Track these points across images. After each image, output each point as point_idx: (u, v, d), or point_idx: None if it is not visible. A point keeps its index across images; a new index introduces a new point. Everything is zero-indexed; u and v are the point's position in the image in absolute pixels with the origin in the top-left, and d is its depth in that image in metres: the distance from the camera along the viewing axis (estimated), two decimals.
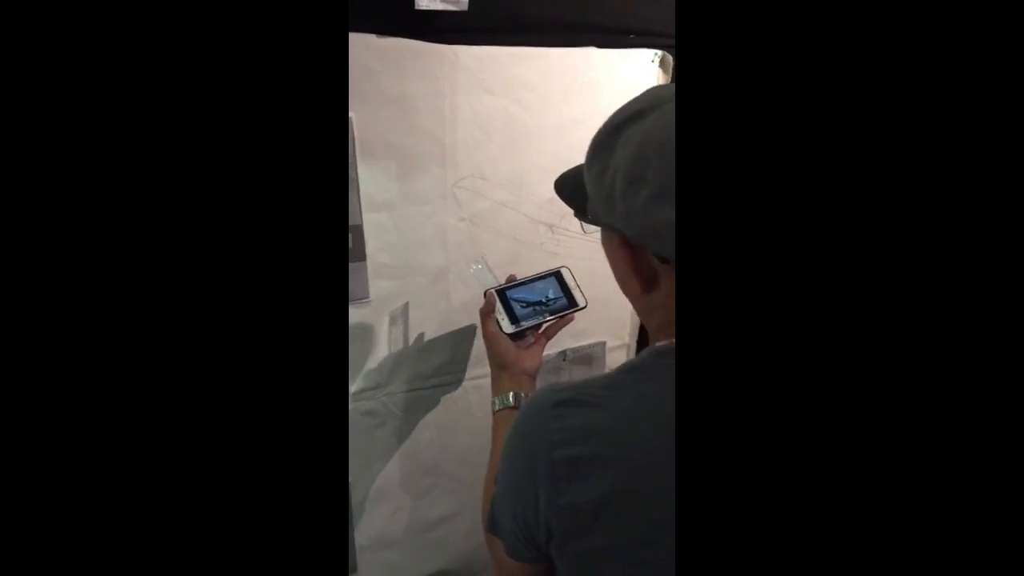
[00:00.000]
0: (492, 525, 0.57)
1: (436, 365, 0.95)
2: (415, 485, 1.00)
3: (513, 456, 0.52)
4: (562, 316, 0.84)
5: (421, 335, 0.92)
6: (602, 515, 0.46)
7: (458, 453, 1.02)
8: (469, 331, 0.95)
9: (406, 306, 0.89)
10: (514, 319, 0.81)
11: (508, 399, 0.76)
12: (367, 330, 0.87)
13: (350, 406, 0.90)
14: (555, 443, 0.47)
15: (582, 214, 0.56)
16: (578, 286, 0.87)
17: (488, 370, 0.83)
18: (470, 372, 0.98)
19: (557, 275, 0.87)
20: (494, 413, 0.77)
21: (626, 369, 0.51)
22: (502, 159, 0.89)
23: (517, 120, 0.88)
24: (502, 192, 0.91)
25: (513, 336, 0.80)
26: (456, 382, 0.98)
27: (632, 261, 0.51)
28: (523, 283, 0.85)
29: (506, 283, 0.86)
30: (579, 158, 0.92)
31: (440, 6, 0.74)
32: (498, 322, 0.80)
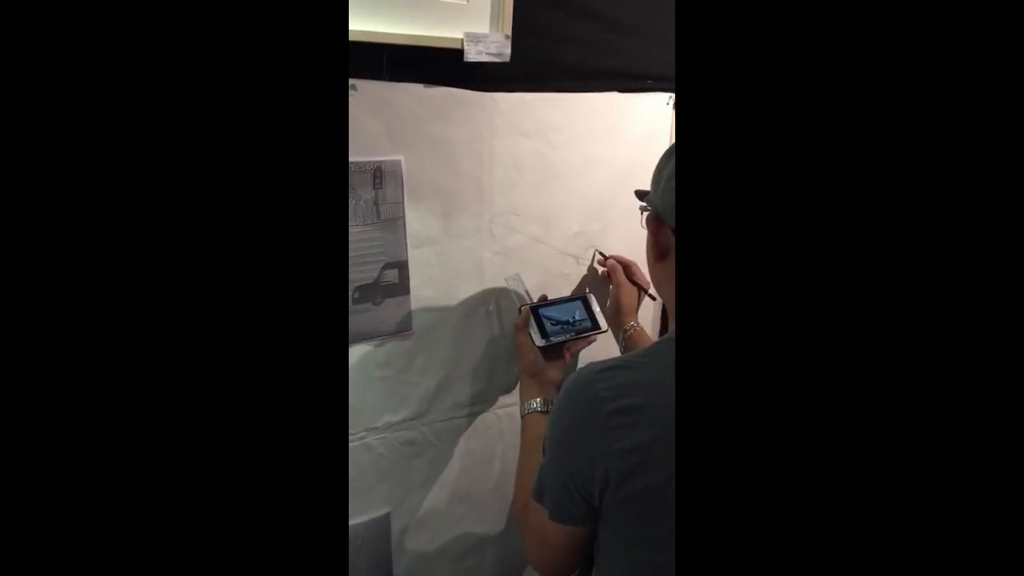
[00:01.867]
0: (538, 492, 0.64)
1: (472, 393, 0.98)
2: (449, 514, 1.02)
3: (564, 419, 0.61)
4: (586, 336, 0.91)
5: (458, 364, 0.96)
6: (649, 457, 0.55)
7: (489, 482, 1.04)
8: (503, 360, 0.99)
9: (445, 337, 0.93)
10: (544, 334, 0.88)
11: (535, 404, 0.84)
12: (409, 361, 0.90)
13: (392, 436, 0.92)
14: (604, 399, 0.57)
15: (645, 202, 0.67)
16: (600, 311, 0.93)
17: (518, 396, 0.87)
18: (503, 400, 1.02)
19: (583, 299, 0.94)
20: (523, 416, 0.85)
21: (653, 346, 0.63)
22: (533, 196, 0.95)
23: (547, 160, 0.94)
24: (533, 227, 0.97)
25: (542, 349, 0.86)
26: (490, 410, 1.01)
27: (656, 235, 0.63)
28: (554, 303, 0.93)
29: (539, 301, 0.93)
30: (602, 194, 0.99)
31: (486, 58, 0.80)
32: (530, 335, 0.87)
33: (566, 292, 1.01)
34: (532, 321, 0.88)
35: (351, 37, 0.71)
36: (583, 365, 0.68)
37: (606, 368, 0.60)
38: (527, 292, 0.94)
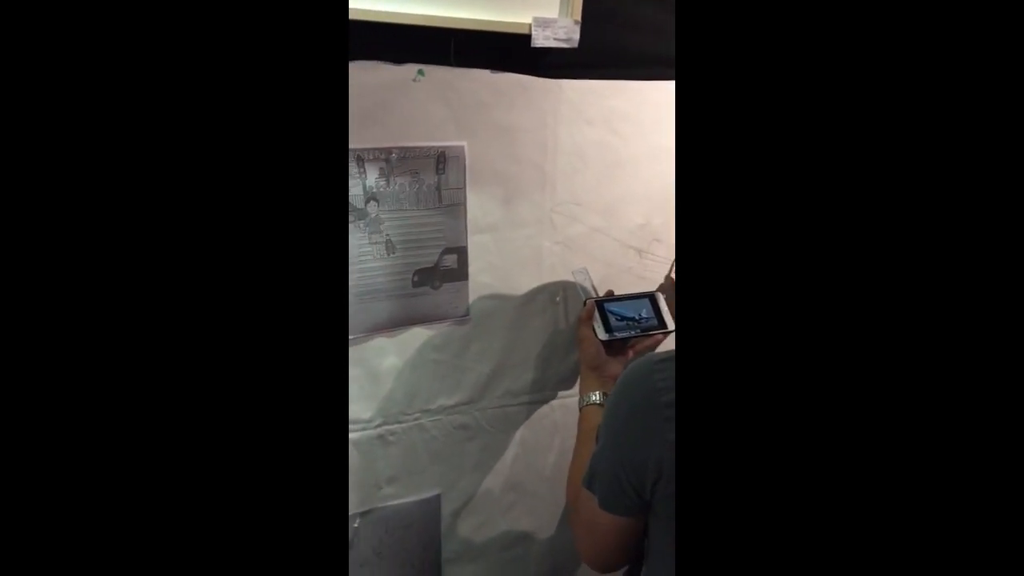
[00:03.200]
0: (589, 480, 0.63)
1: (527, 382, 0.98)
2: (499, 501, 1.03)
3: (621, 408, 0.60)
4: (651, 335, 0.88)
5: (514, 353, 0.95)
6: None
7: (542, 473, 1.04)
8: (560, 351, 0.98)
9: (502, 325, 0.93)
10: (608, 328, 0.86)
11: (594, 397, 0.83)
12: (465, 346, 0.91)
13: (446, 419, 0.93)
14: (660, 390, 0.56)
15: None
16: (669, 311, 0.90)
17: (575, 390, 0.86)
18: (559, 392, 1.01)
19: (651, 297, 0.91)
20: (581, 408, 0.84)
21: None
22: (597, 186, 0.93)
23: (612, 149, 0.92)
24: (596, 218, 0.95)
25: (605, 344, 0.85)
26: (544, 400, 1.01)
27: None
28: (620, 299, 0.91)
29: (605, 296, 0.91)
30: (668, 186, 0.96)
31: (554, 43, 0.79)
32: (594, 329, 0.86)
33: (627, 286, 0.99)
34: (596, 315, 0.87)
35: (418, 22, 0.72)
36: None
37: (665, 359, 0.58)
38: (594, 287, 0.93)
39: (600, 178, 0.93)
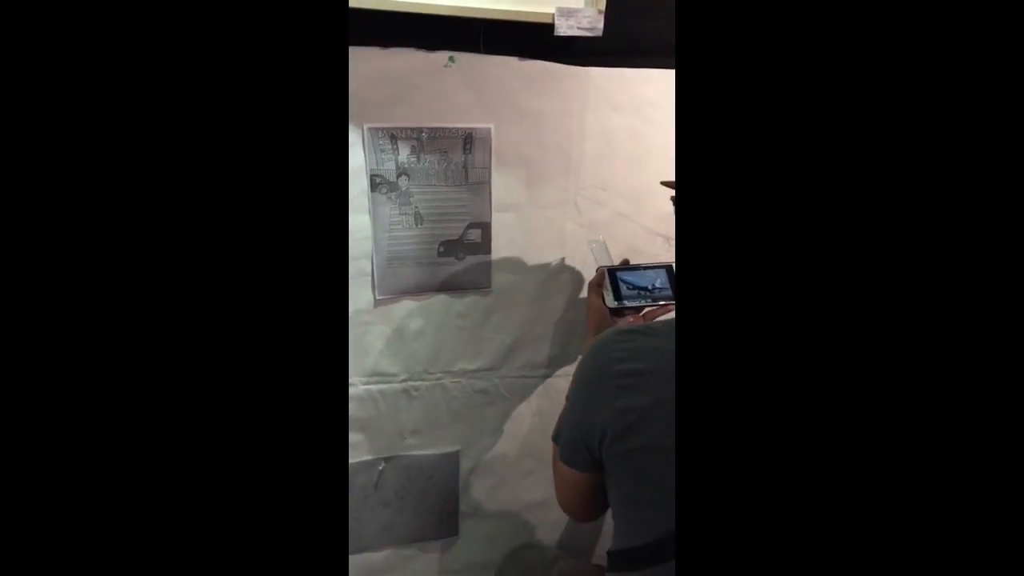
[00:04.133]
0: (556, 434, 0.70)
1: (546, 356, 1.03)
2: (516, 466, 1.09)
3: (582, 372, 0.66)
4: (663, 306, 0.88)
5: (533, 327, 1.01)
6: (644, 419, 0.58)
7: None
8: (580, 330, 1.02)
9: (523, 299, 0.99)
10: (618, 296, 0.87)
11: None
12: (486, 316, 0.98)
13: (466, 382, 1.01)
14: (617, 359, 0.60)
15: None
16: None
17: None
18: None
19: (668, 268, 0.91)
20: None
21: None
22: (624, 172, 0.96)
23: (641, 136, 0.94)
24: (622, 203, 0.98)
25: (614, 312, 0.86)
26: (564, 375, 1.05)
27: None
28: (635, 268, 0.91)
29: (620, 264, 0.92)
30: None
31: (578, 32, 0.83)
32: (603, 296, 0.87)
33: None
34: (607, 282, 0.88)
35: (449, 12, 0.79)
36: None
37: (628, 331, 0.62)
38: (611, 259, 0.94)
39: (628, 164, 0.95)
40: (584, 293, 0.99)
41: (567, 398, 0.69)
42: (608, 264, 0.91)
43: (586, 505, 0.71)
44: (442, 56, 0.84)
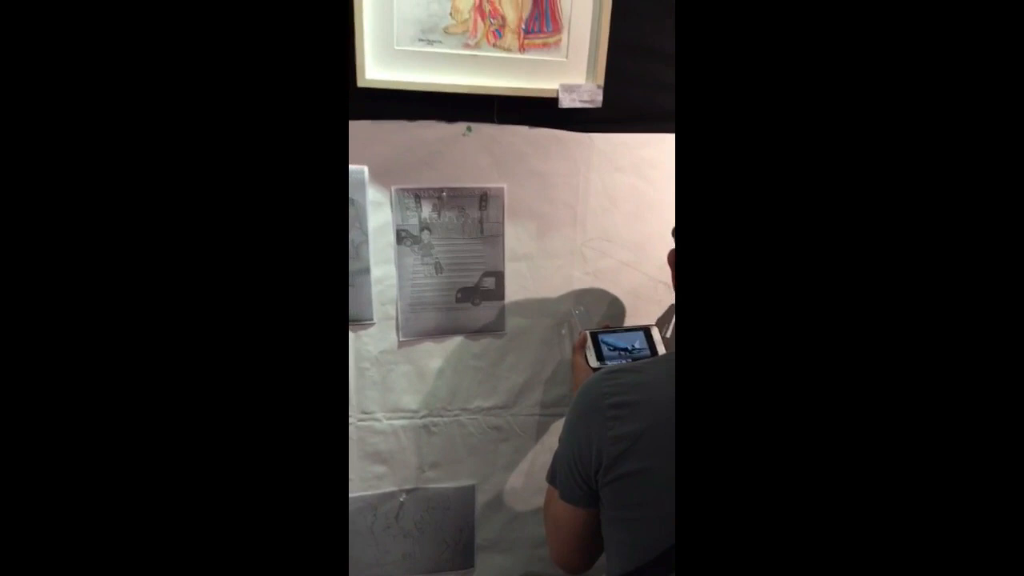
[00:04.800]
0: (551, 476, 0.76)
1: (556, 396, 1.10)
2: (528, 502, 1.15)
3: (574, 411, 0.72)
4: None
5: (544, 368, 1.09)
6: (636, 444, 0.65)
7: None
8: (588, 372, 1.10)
9: (534, 342, 1.07)
10: (600, 357, 0.97)
11: None
12: (501, 357, 1.06)
13: (482, 419, 1.08)
14: (607, 394, 0.67)
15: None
16: (662, 342, 0.99)
17: None
18: None
19: (646, 330, 1.01)
20: None
21: (661, 356, 0.79)
22: (626, 225, 1.05)
23: (642, 193, 1.03)
24: (625, 253, 1.06)
25: (595, 371, 0.93)
26: None
27: (674, 258, 0.74)
28: (616, 330, 1.01)
29: (602, 328, 1.02)
30: None
31: (579, 104, 0.94)
32: (586, 356, 0.97)
33: (655, 317, 1.08)
34: (590, 343, 0.97)
35: (467, 90, 0.90)
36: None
37: (615, 370, 0.70)
38: (592, 323, 1.04)
39: (629, 218, 1.04)
40: (566, 340, 1.08)
41: (560, 441, 0.74)
42: (590, 328, 1.01)
43: (582, 548, 0.75)
44: (461, 126, 0.95)
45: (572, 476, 0.71)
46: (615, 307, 1.08)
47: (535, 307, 1.06)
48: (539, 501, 1.15)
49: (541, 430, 1.12)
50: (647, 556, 0.66)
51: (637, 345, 0.99)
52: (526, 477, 1.13)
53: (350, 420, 1.03)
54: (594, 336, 0.98)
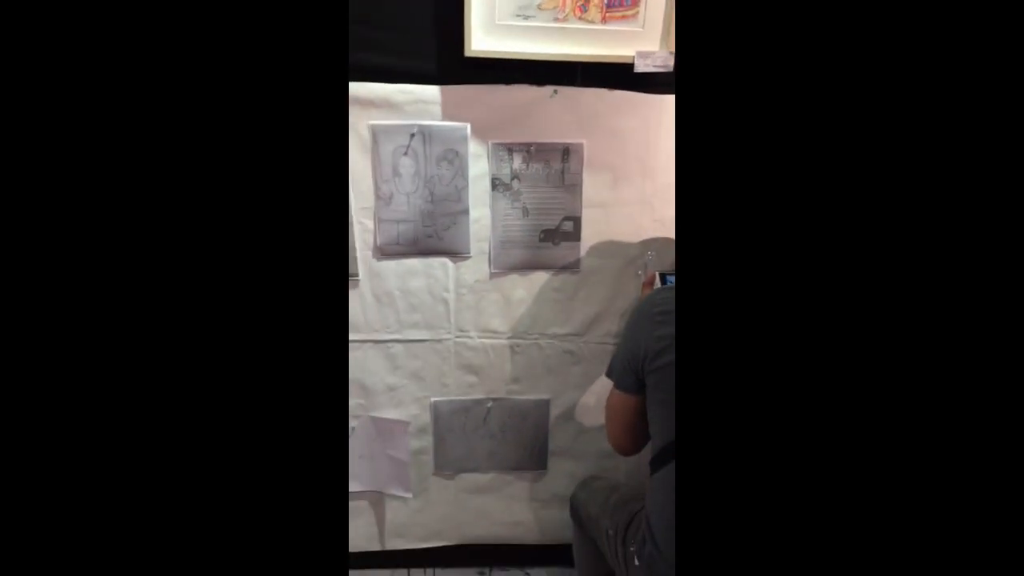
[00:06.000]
0: (609, 371, 0.96)
1: (623, 327, 1.27)
2: (595, 418, 1.33)
3: (630, 319, 0.93)
4: None
5: (613, 303, 1.25)
6: (671, 344, 0.83)
7: None
8: None
9: (606, 279, 1.23)
10: None
11: None
12: (576, 291, 1.24)
13: (557, 343, 1.27)
14: (654, 304, 0.89)
15: None
16: None
17: None
18: None
19: None
20: None
21: None
22: None
23: None
24: None
25: None
26: None
27: None
28: None
29: (668, 269, 1.15)
30: None
31: (653, 69, 1.07)
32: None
33: None
34: (657, 281, 1.12)
35: (554, 57, 1.06)
36: None
37: (662, 288, 0.92)
38: (661, 267, 1.18)
39: None
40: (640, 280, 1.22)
41: (617, 343, 0.94)
42: (659, 269, 1.16)
43: (631, 431, 0.95)
44: (548, 89, 1.11)
45: (625, 368, 0.91)
46: None
47: (608, 249, 1.22)
48: (603, 419, 1.33)
49: (608, 356, 1.29)
50: None
51: None
52: (593, 396, 1.31)
53: (449, 336, 1.25)
54: (662, 276, 1.13)
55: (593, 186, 1.17)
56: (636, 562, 0.93)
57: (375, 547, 1.38)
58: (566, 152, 1.15)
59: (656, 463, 0.89)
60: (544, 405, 1.31)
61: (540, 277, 1.23)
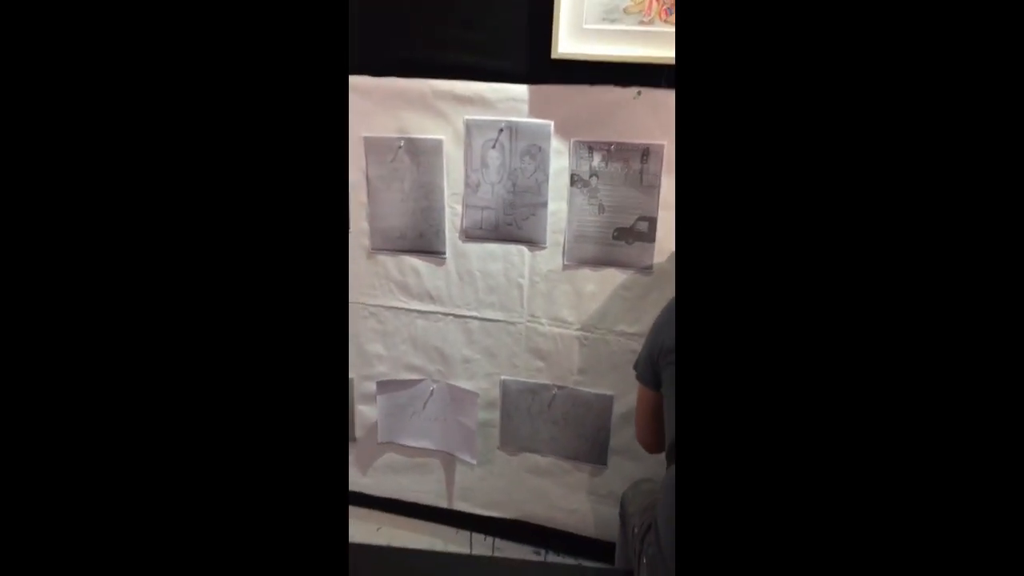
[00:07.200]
0: (636, 366, 1.01)
1: None
2: None
3: (657, 320, 0.97)
4: None
5: None
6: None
7: None
8: None
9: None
10: None
11: None
12: (646, 292, 1.24)
13: (624, 341, 1.28)
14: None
15: None
16: None
17: None
18: None
19: None
20: None
21: None
22: None
23: None
24: None
25: None
26: None
27: None
28: None
29: None
30: None
31: None
32: None
33: None
34: None
35: (639, 60, 1.08)
36: None
37: None
38: None
39: None
40: None
41: (643, 345, 0.97)
42: None
43: (650, 427, 0.97)
44: (632, 91, 1.13)
45: (646, 362, 0.94)
46: None
47: None
48: None
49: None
50: None
51: None
52: None
53: (521, 320, 1.33)
54: None
55: (671, 188, 1.17)
56: (643, 560, 0.94)
57: (443, 504, 1.51)
58: (646, 153, 1.16)
59: (669, 461, 0.89)
60: (607, 400, 1.34)
61: (611, 274, 1.25)
